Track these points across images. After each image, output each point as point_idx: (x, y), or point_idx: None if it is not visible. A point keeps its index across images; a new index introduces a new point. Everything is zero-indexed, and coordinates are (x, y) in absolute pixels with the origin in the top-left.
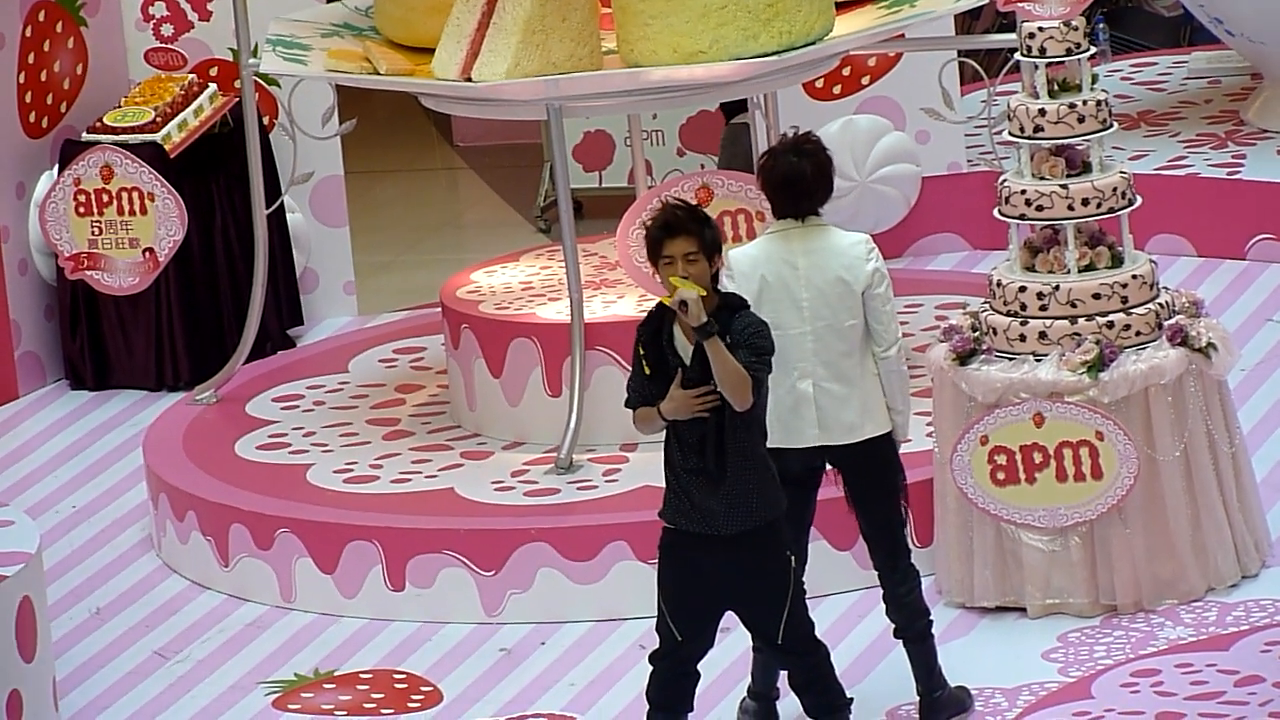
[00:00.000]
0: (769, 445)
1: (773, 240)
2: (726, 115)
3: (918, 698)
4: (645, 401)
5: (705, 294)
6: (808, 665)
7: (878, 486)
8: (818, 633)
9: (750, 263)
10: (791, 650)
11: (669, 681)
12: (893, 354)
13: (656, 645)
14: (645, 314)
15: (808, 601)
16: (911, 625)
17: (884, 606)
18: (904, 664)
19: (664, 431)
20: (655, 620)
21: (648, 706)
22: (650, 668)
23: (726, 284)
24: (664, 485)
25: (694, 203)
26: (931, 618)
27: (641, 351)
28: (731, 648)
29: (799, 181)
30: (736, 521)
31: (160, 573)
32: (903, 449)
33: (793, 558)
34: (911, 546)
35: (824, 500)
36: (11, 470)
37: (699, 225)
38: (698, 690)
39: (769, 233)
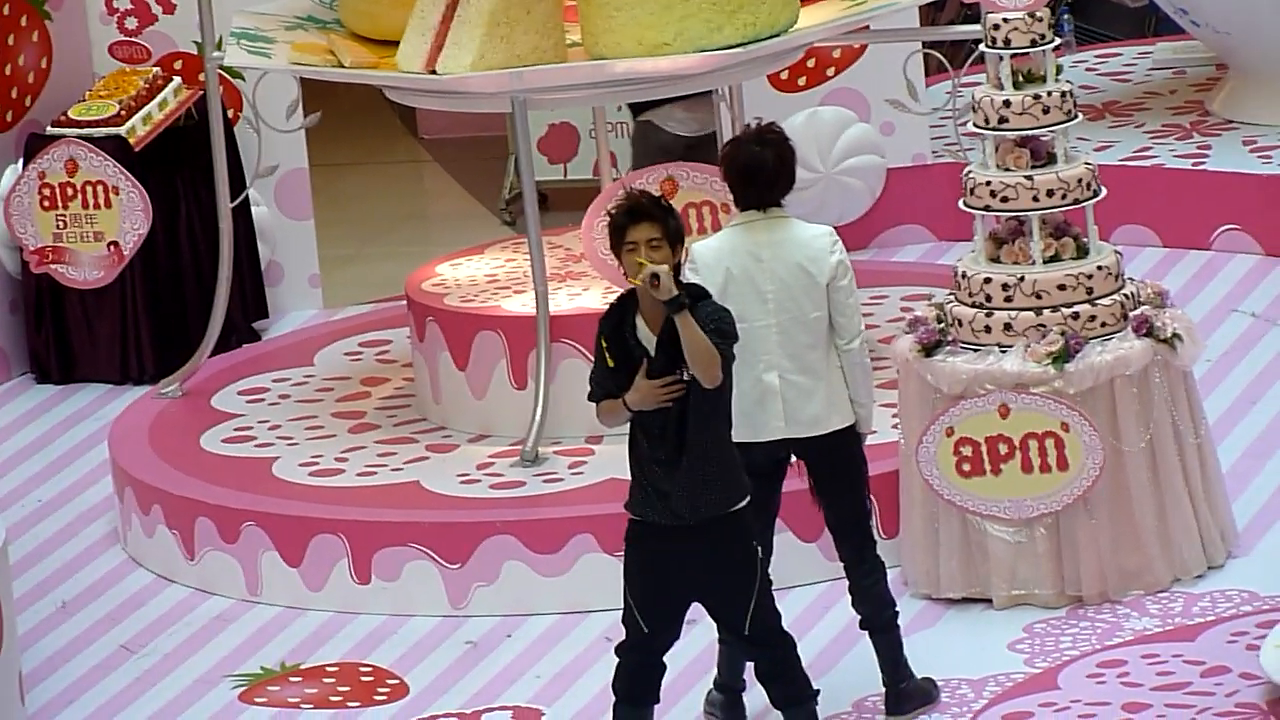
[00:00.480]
0: (736, 440)
1: (736, 232)
2: (634, 112)
3: (883, 689)
4: (608, 394)
5: (670, 267)
6: (774, 656)
7: (842, 478)
8: (785, 624)
9: (714, 255)
10: (758, 641)
11: (635, 673)
12: (855, 346)
13: (623, 638)
14: (607, 306)
15: (774, 593)
16: (877, 617)
17: (849, 598)
18: (871, 655)
19: (628, 424)
20: (622, 613)
21: (614, 699)
22: (616, 660)
23: (689, 276)
24: (629, 477)
25: (658, 194)
26: (897, 609)
27: (604, 344)
28: (698, 640)
29: (761, 171)
30: (702, 511)
31: (126, 566)
32: (868, 440)
33: (759, 548)
34: (877, 538)
35: (789, 492)
36: None
37: (663, 213)
38: (664, 682)
39: (732, 225)
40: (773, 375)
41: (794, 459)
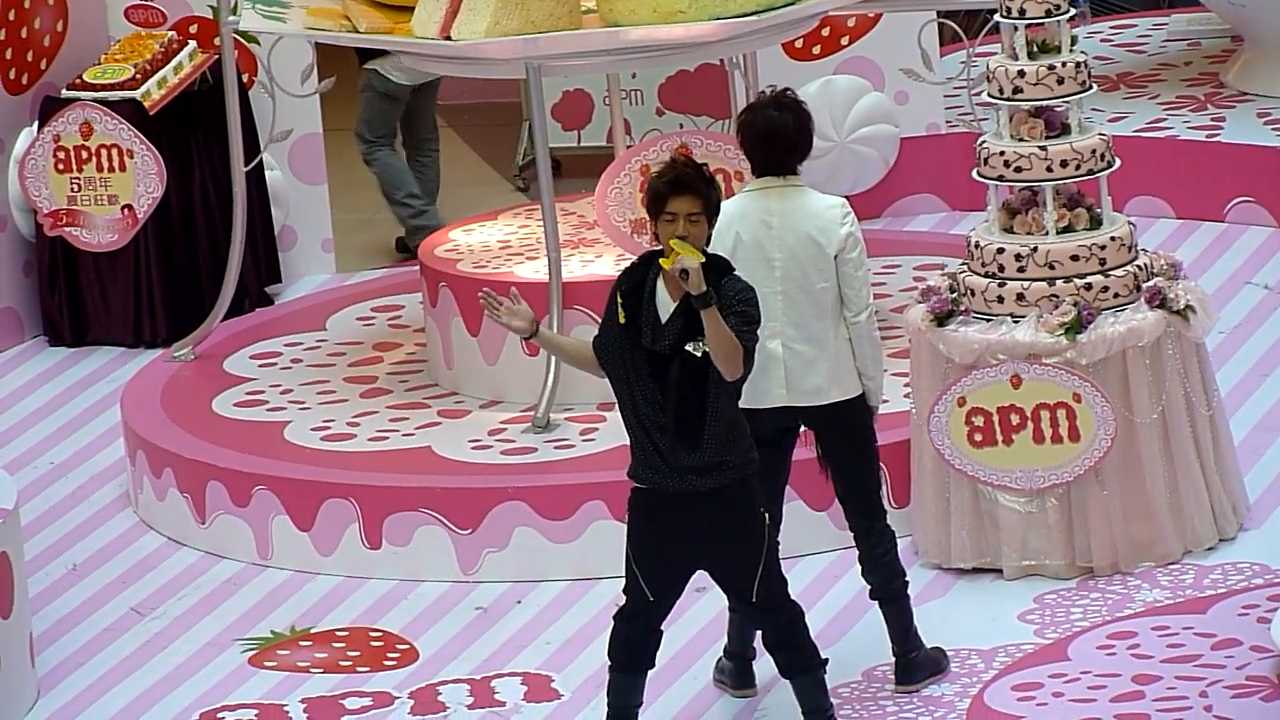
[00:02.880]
0: (740, 406)
1: (750, 198)
2: (360, 59)
3: (893, 659)
4: (608, 352)
5: (703, 260)
6: (782, 623)
7: (849, 449)
8: (794, 593)
9: (725, 219)
10: (766, 608)
11: (635, 641)
12: (863, 319)
13: (623, 604)
14: (630, 263)
15: (784, 562)
16: (887, 586)
17: (859, 568)
18: (880, 625)
19: (620, 386)
20: (625, 580)
21: (610, 665)
22: (613, 626)
23: None
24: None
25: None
26: (907, 579)
27: (620, 299)
28: (707, 608)
29: (780, 134)
30: (711, 479)
31: (137, 529)
32: (880, 410)
33: (766, 515)
34: (888, 507)
35: (800, 461)
36: None
37: (706, 185)
38: (673, 651)
39: (746, 190)
40: (776, 343)
41: (803, 428)
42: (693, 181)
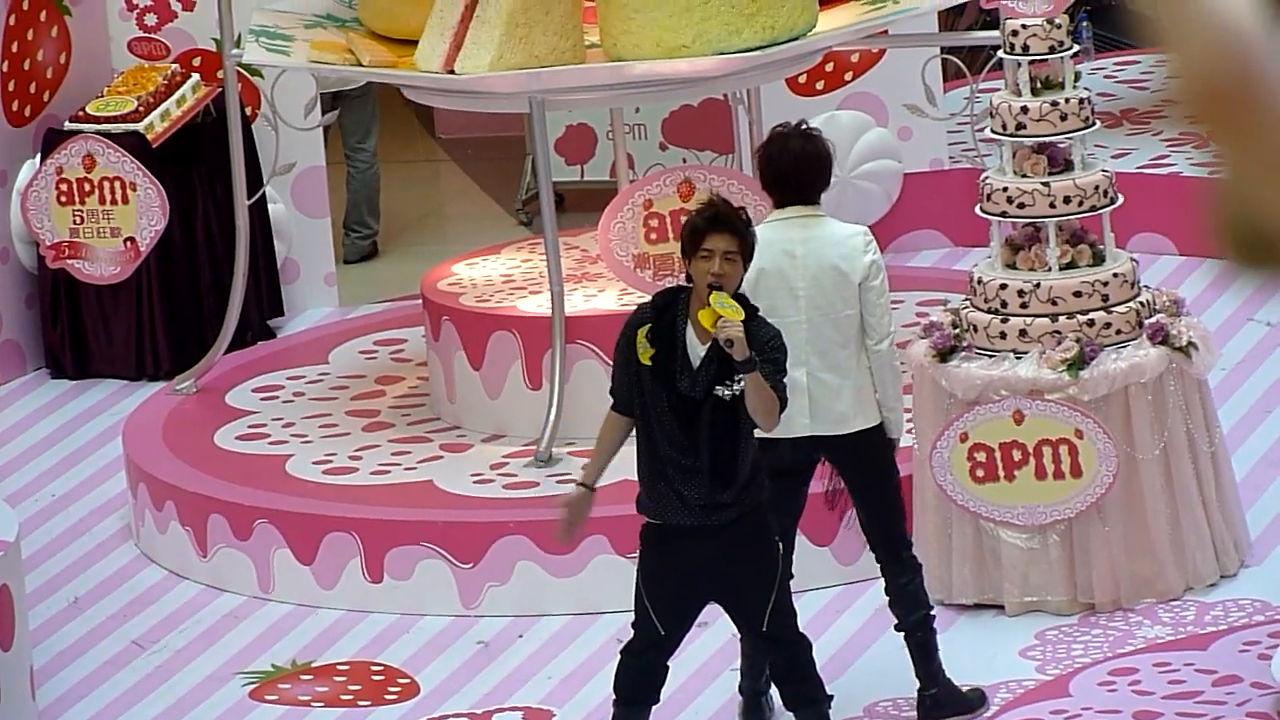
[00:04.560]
0: (760, 435)
1: (772, 228)
2: None
3: (916, 692)
4: (629, 402)
5: (743, 316)
6: (790, 654)
7: (872, 478)
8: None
9: None
10: (775, 638)
11: (643, 675)
12: (884, 347)
13: (631, 638)
14: (645, 302)
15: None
16: (909, 617)
17: (884, 603)
18: (883, 660)
19: (640, 425)
20: (634, 616)
21: (614, 698)
22: (619, 661)
23: None
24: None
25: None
26: (932, 611)
27: (645, 340)
28: (710, 643)
29: (803, 164)
30: (729, 513)
31: (139, 562)
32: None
33: (780, 544)
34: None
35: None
36: None
37: (744, 226)
38: (676, 685)
39: (768, 221)
40: (800, 372)
41: (822, 461)
42: (732, 221)
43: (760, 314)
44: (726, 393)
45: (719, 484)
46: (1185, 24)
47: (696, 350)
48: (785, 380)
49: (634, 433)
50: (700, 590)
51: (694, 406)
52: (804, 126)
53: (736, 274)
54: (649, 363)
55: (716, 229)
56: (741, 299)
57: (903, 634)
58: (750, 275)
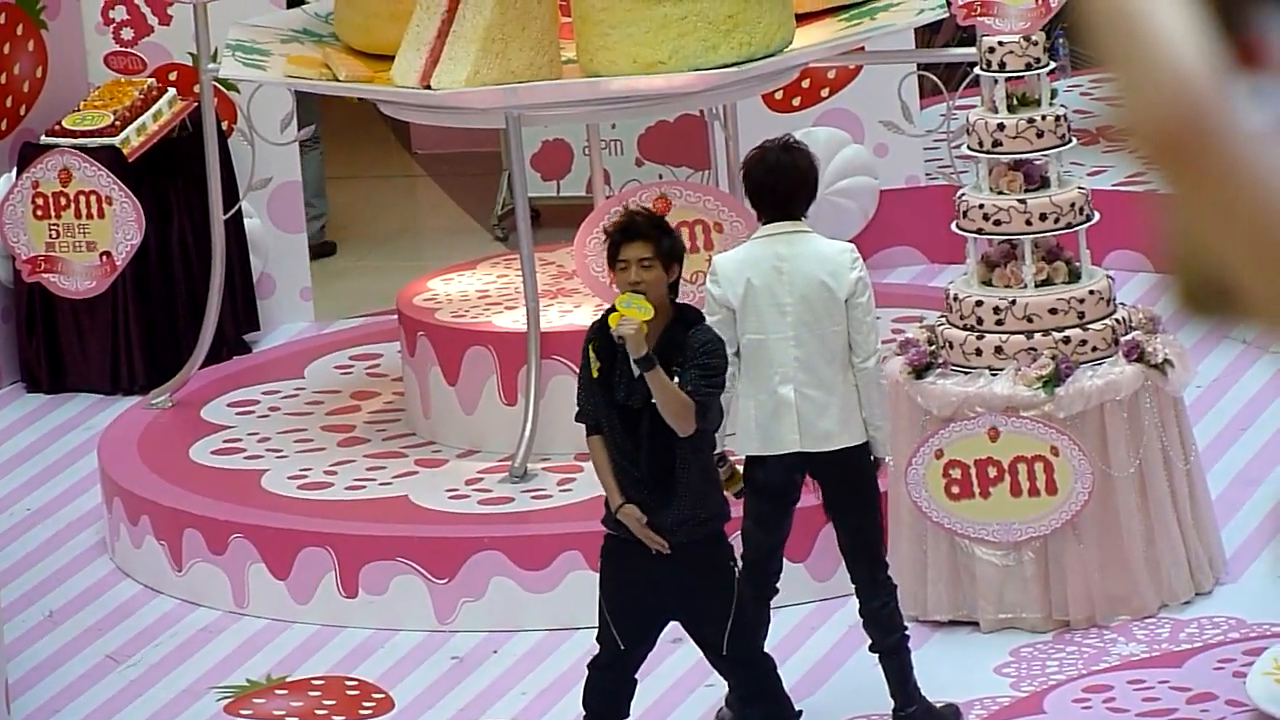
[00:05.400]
0: (749, 454)
1: (759, 244)
2: None
3: (892, 712)
4: (595, 417)
5: (650, 315)
6: (753, 676)
7: (854, 497)
8: (771, 644)
9: (736, 267)
10: (737, 661)
11: (608, 690)
12: (870, 365)
13: (597, 653)
14: (601, 314)
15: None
16: (885, 639)
17: (859, 620)
18: (857, 677)
19: (603, 436)
20: (597, 628)
21: (584, 714)
22: (587, 675)
23: (711, 289)
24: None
25: (659, 213)
26: (907, 632)
27: (592, 354)
28: (684, 659)
29: (788, 177)
30: (683, 532)
31: (114, 576)
32: (887, 461)
33: (735, 567)
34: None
35: None
36: None
37: (657, 232)
38: (650, 701)
39: (755, 237)
40: (788, 388)
41: (808, 478)
42: (641, 228)
43: (705, 324)
44: None
45: (657, 494)
46: (1136, 69)
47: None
48: (716, 386)
49: None
50: (657, 606)
51: (634, 416)
52: (793, 140)
53: (658, 279)
54: (596, 375)
55: (628, 239)
56: (686, 308)
57: (877, 655)
58: (739, 291)
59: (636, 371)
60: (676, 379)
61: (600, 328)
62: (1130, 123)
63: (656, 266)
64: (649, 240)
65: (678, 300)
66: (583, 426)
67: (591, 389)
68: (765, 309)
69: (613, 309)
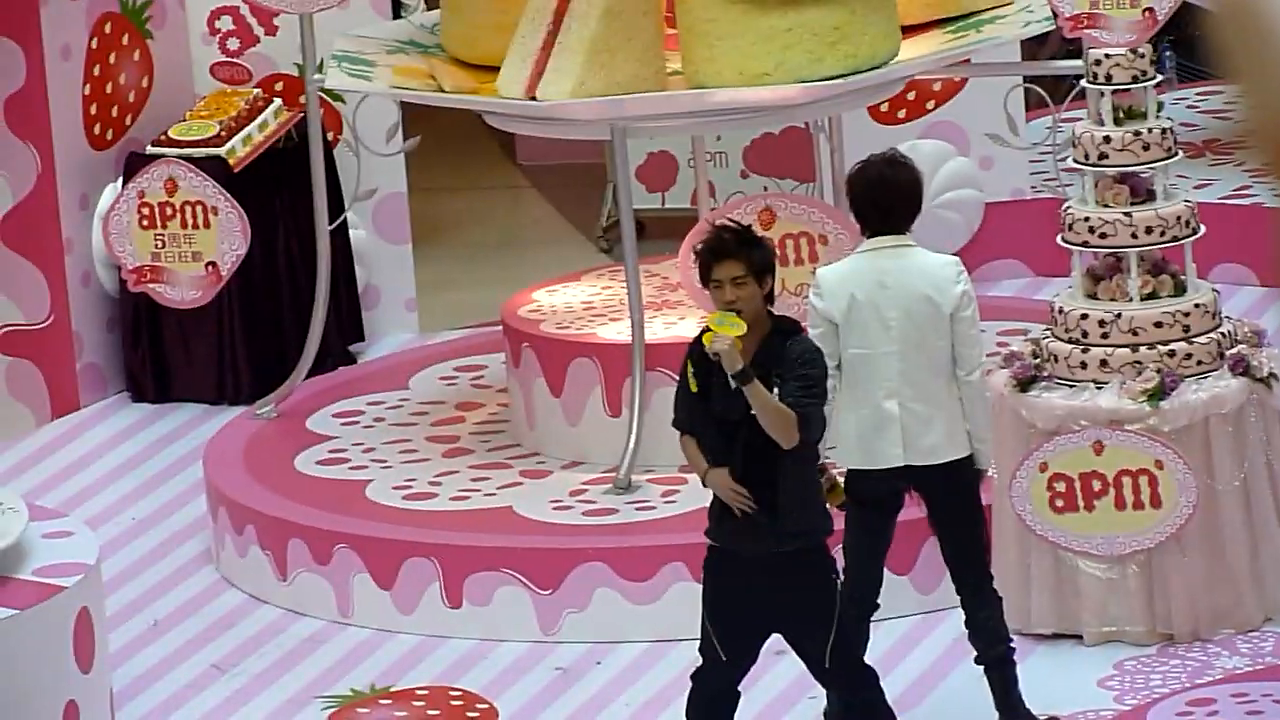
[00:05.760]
0: (851, 467)
1: (863, 258)
2: None
3: None
4: (690, 423)
5: (742, 331)
6: (855, 688)
7: (959, 510)
8: (874, 656)
9: (839, 280)
10: (839, 673)
11: (710, 701)
12: (975, 378)
13: (699, 665)
14: (700, 329)
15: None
16: (989, 650)
17: (963, 633)
18: (961, 690)
19: (701, 450)
20: (700, 640)
21: None
22: (690, 686)
23: (814, 302)
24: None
25: (747, 224)
26: (1013, 644)
27: (690, 368)
28: (787, 671)
29: (893, 190)
30: (783, 542)
31: (218, 586)
32: (990, 472)
33: (838, 580)
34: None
35: None
36: (72, 481)
37: (746, 248)
38: (753, 714)
39: (859, 251)
40: (893, 403)
41: (911, 491)
42: (729, 247)
43: (802, 334)
44: None
45: (762, 506)
46: (1261, 76)
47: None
48: (816, 397)
49: None
50: (758, 619)
51: (732, 428)
52: (898, 154)
53: (752, 295)
54: (695, 390)
55: (718, 259)
56: (783, 320)
57: (982, 666)
58: (842, 306)
59: (734, 385)
60: (776, 390)
61: (698, 342)
62: (1254, 129)
63: (750, 283)
64: (739, 258)
65: (774, 310)
66: (677, 446)
67: (689, 401)
68: (869, 323)
69: (707, 327)
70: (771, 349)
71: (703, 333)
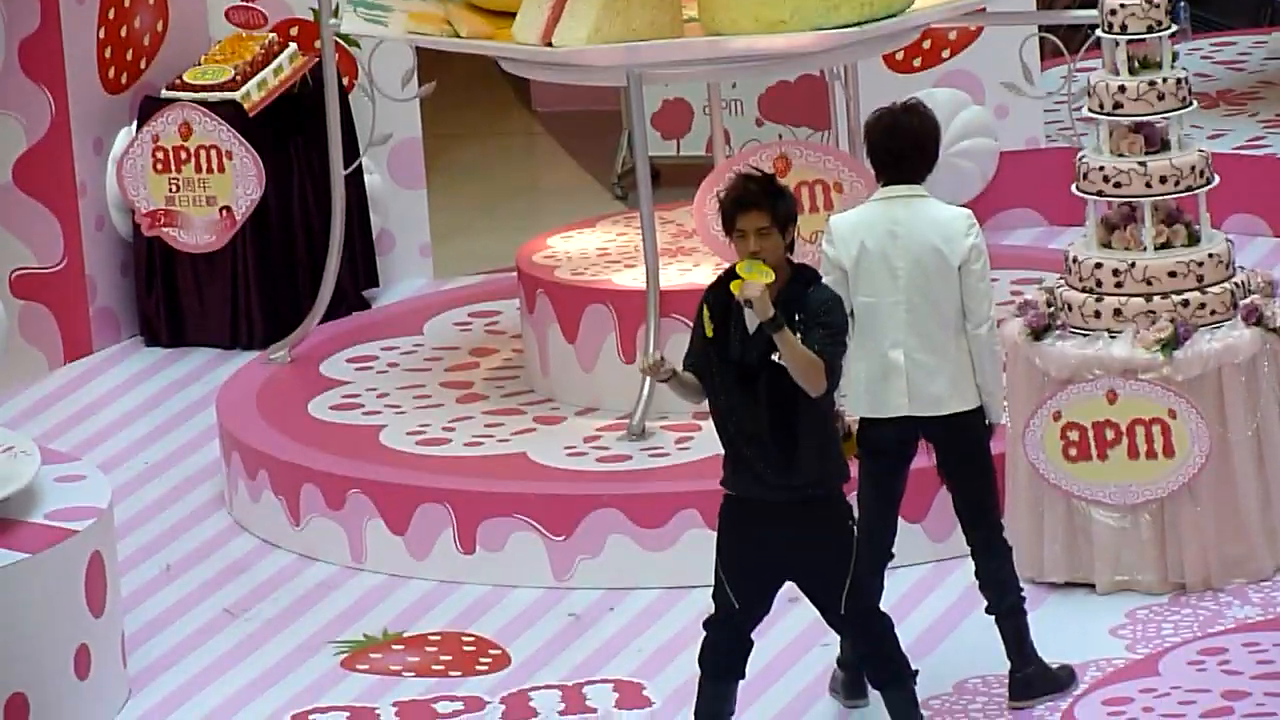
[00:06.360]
0: (861, 415)
1: (875, 207)
2: None
3: (1008, 672)
4: (698, 367)
5: (772, 279)
6: (870, 635)
7: (968, 461)
8: (888, 604)
9: (850, 228)
10: (854, 620)
11: (723, 649)
12: (983, 331)
13: (712, 612)
14: (717, 276)
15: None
16: (1001, 601)
17: (975, 582)
18: (974, 638)
19: (710, 397)
20: (713, 588)
21: (700, 673)
22: (703, 634)
23: (825, 249)
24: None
25: (770, 173)
26: (1023, 594)
27: (707, 311)
28: (800, 618)
29: (909, 139)
30: (797, 490)
31: (231, 531)
32: (1002, 423)
33: (854, 527)
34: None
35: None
36: (85, 425)
37: (771, 199)
38: (766, 660)
39: (872, 199)
40: (898, 353)
41: (922, 440)
42: (756, 196)
43: (823, 282)
44: (783, 361)
45: (777, 452)
46: None
47: (753, 321)
48: (839, 344)
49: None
50: (773, 567)
51: (752, 375)
52: (917, 103)
53: (777, 245)
54: (710, 335)
55: (743, 209)
56: (803, 268)
57: (994, 616)
58: (852, 253)
59: (752, 329)
60: (800, 337)
61: (715, 287)
62: None
63: (774, 233)
64: (764, 209)
65: (793, 260)
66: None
67: (703, 347)
68: (878, 272)
69: (731, 273)
70: (792, 297)
71: (725, 279)
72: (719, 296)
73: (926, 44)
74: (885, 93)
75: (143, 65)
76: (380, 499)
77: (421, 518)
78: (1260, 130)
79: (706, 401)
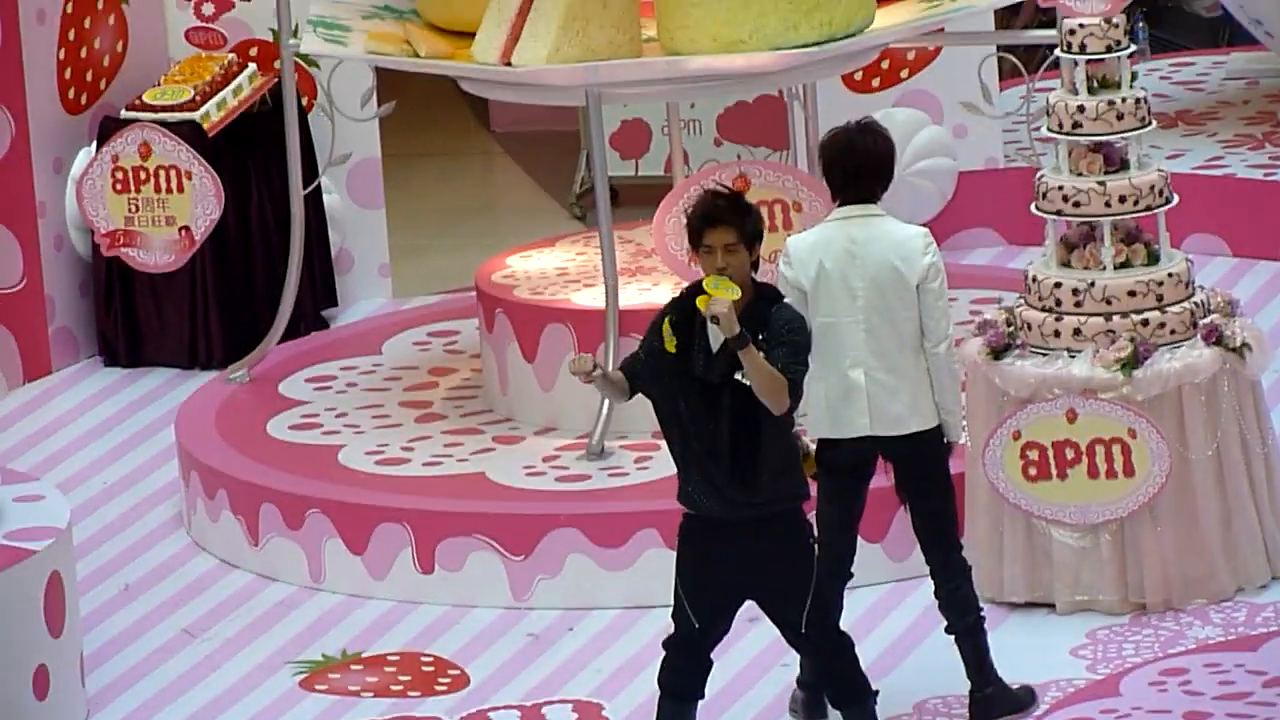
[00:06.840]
0: (820, 436)
1: (832, 227)
2: None
3: (968, 692)
4: (634, 371)
5: (738, 296)
6: (830, 653)
7: (926, 480)
8: (848, 623)
9: (809, 249)
10: (814, 638)
11: (682, 669)
12: (942, 350)
13: (671, 632)
14: (682, 290)
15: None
16: (960, 620)
17: (935, 601)
18: (933, 657)
19: (667, 414)
20: (672, 607)
21: (659, 692)
22: (663, 654)
23: (783, 269)
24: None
25: (738, 190)
26: (982, 614)
27: (668, 329)
28: (759, 638)
29: (862, 158)
30: (760, 508)
31: (190, 550)
32: (960, 442)
33: (815, 544)
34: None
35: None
36: (43, 445)
37: (739, 215)
38: (726, 679)
39: (829, 219)
40: (859, 372)
41: (880, 460)
42: (724, 213)
43: (785, 301)
44: (747, 379)
45: (741, 472)
46: None
47: (718, 337)
48: (802, 365)
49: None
50: (734, 586)
51: (714, 393)
52: (872, 122)
53: (743, 262)
54: (672, 350)
55: (711, 225)
56: (766, 287)
57: (953, 636)
58: (811, 274)
59: (716, 345)
60: (763, 355)
61: (677, 304)
62: None
63: (741, 250)
64: (732, 225)
65: (756, 278)
66: (653, 412)
67: (663, 362)
68: (836, 292)
69: (695, 289)
70: (756, 315)
71: (690, 294)
72: (683, 312)
73: (885, 64)
74: (844, 112)
75: (102, 85)
76: (339, 519)
77: (380, 537)
78: (1219, 150)
79: (660, 421)
